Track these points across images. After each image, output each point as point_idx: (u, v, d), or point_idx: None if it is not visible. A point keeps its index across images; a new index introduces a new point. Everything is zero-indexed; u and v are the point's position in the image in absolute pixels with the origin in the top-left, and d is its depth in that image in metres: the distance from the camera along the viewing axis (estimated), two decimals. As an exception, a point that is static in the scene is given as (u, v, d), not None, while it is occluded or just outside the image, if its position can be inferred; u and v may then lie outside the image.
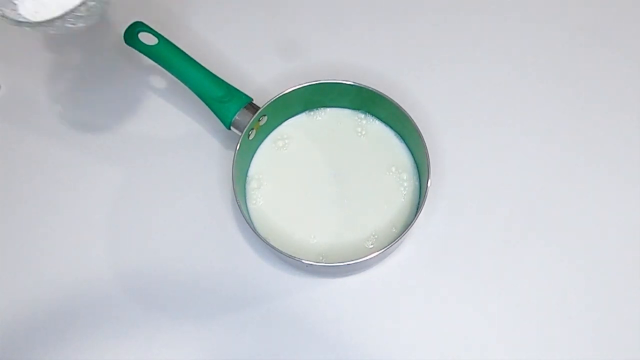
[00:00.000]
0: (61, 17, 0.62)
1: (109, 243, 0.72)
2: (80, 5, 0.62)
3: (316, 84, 0.70)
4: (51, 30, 0.63)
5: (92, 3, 0.63)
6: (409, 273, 0.70)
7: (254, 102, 0.69)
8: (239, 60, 0.79)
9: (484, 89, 0.78)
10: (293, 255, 0.64)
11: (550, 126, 0.76)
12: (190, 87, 0.69)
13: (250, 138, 0.69)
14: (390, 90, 0.69)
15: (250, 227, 0.65)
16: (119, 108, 0.78)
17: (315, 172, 0.71)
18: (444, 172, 0.73)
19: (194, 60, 0.69)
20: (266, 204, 0.70)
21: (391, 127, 0.73)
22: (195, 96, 0.69)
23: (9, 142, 0.77)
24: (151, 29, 0.69)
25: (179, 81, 0.69)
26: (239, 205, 0.65)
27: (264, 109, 0.68)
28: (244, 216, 0.65)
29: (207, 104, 0.69)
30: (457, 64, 0.80)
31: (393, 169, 0.71)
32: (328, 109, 0.75)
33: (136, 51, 0.69)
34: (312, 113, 0.74)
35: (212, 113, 0.69)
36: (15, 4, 0.65)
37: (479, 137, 0.76)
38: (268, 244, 0.64)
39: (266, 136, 0.73)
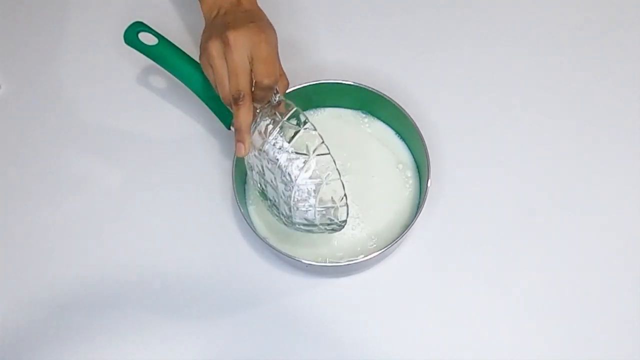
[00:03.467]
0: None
1: (109, 243, 0.72)
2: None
3: (316, 84, 0.70)
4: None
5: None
6: (409, 273, 0.70)
7: (254, 102, 0.69)
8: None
9: (484, 89, 0.78)
10: (293, 255, 0.64)
11: (550, 127, 0.76)
12: (190, 87, 0.69)
13: (251, 138, 0.69)
14: (390, 90, 0.70)
15: (250, 227, 0.65)
16: (119, 108, 0.78)
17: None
18: (443, 172, 0.73)
19: (194, 60, 0.69)
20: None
21: (391, 127, 0.73)
22: (195, 96, 0.69)
23: (9, 142, 0.77)
24: (151, 29, 0.69)
25: (179, 81, 0.69)
26: (238, 205, 0.65)
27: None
28: (244, 216, 0.65)
29: (207, 104, 0.68)
30: (458, 65, 0.80)
31: (397, 168, 0.71)
32: (328, 109, 0.75)
33: (136, 51, 0.69)
34: (312, 113, 0.74)
35: (212, 113, 0.68)
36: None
37: (479, 138, 0.76)
38: (268, 244, 0.64)
39: (266, 136, 0.73)
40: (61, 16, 0.84)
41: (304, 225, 0.63)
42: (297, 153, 0.61)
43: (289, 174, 0.61)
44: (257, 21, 0.62)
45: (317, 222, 0.63)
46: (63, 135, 0.77)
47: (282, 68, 0.66)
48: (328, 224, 0.64)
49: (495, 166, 0.74)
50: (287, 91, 0.69)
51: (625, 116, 0.77)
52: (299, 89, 0.69)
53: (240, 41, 0.59)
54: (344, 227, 0.64)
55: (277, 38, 0.63)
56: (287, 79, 0.66)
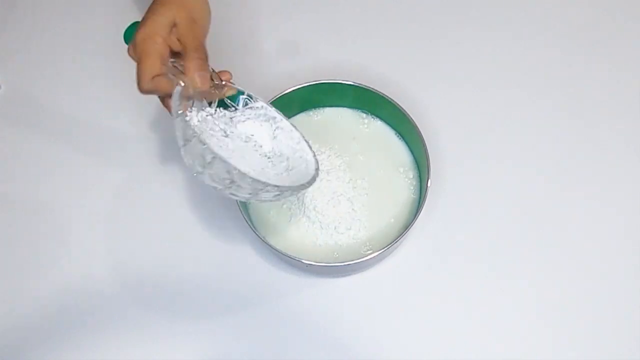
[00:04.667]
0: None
1: (109, 243, 0.72)
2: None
3: (316, 84, 0.70)
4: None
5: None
6: (408, 273, 0.70)
7: (253, 102, 0.69)
8: (239, 60, 0.79)
9: (483, 89, 0.78)
10: (293, 255, 0.64)
11: (550, 126, 0.76)
12: (190, 87, 0.69)
13: (250, 138, 0.69)
14: (390, 90, 0.69)
15: (250, 227, 0.65)
16: (119, 108, 0.78)
17: (315, 172, 0.71)
18: (443, 172, 0.73)
19: (194, 60, 0.68)
20: (266, 204, 0.70)
21: (391, 127, 0.73)
22: (195, 96, 0.69)
23: (9, 142, 0.77)
24: (151, 29, 0.68)
25: (178, 81, 0.69)
26: (238, 205, 0.65)
27: (263, 109, 0.68)
28: (243, 216, 0.65)
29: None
30: (457, 65, 0.80)
31: (397, 168, 0.71)
32: (328, 109, 0.75)
33: (136, 51, 0.69)
34: (312, 113, 0.74)
35: (212, 113, 0.68)
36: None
37: (479, 137, 0.76)
38: (268, 244, 0.64)
39: (266, 136, 0.73)
40: (61, 16, 0.84)
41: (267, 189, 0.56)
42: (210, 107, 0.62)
43: (223, 130, 0.60)
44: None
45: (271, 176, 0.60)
46: (62, 135, 0.77)
47: (193, 45, 0.61)
48: (296, 183, 0.59)
49: (496, 166, 0.74)
50: (287, 91, 0.69)
51: (628, 116, 0.77)
52: (299, 89, 0.69)
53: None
54: (315, 178, 0.60)
55: (185, 16, 0.59)
56: (198, 57, 0.60)
